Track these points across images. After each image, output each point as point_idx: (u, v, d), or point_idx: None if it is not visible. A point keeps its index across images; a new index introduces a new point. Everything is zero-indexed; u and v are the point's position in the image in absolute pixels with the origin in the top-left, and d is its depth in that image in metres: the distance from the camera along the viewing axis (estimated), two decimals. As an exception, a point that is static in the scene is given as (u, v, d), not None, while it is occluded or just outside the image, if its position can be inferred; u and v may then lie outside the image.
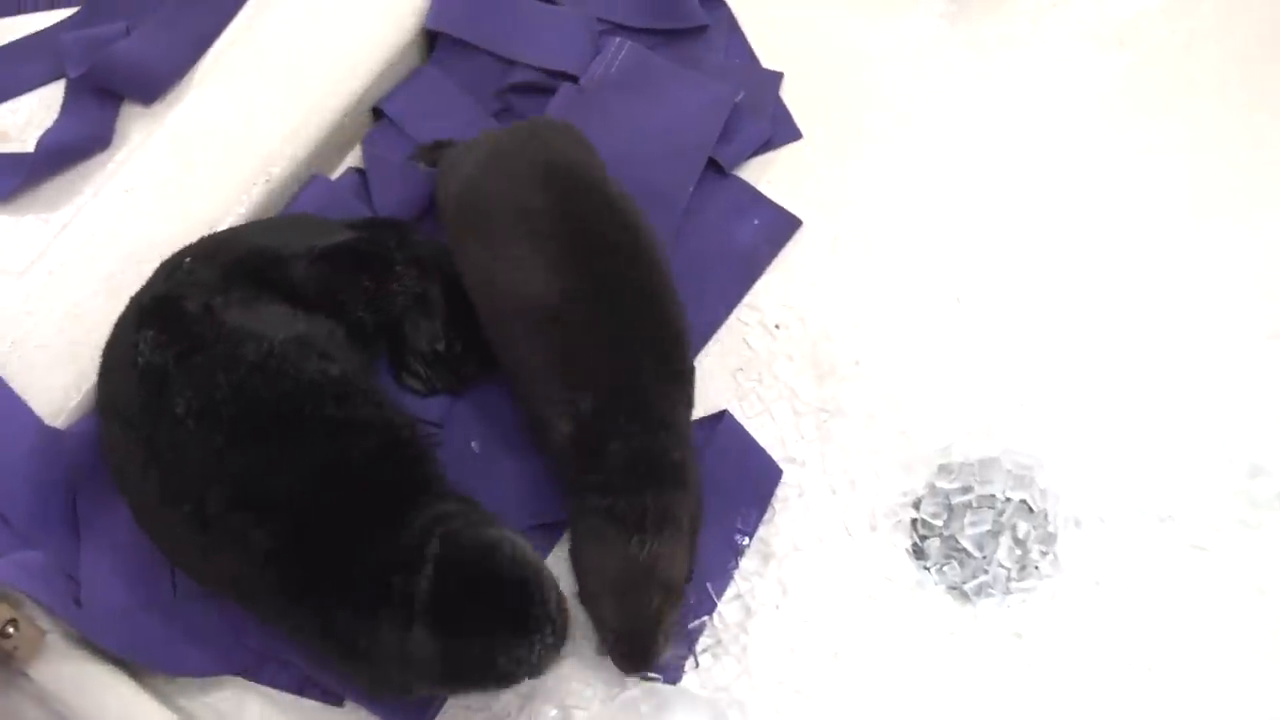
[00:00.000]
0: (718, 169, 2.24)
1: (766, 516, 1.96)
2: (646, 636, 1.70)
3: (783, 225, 2.21)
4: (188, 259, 1.84)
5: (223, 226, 2.02)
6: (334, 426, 1.68)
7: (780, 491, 1.98)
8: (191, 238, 1.91)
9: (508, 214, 1.84)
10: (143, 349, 1.71)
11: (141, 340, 1.72)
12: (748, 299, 2.15)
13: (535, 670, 1.63)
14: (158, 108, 2.21)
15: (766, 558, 1.94)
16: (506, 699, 1.84)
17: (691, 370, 1.87)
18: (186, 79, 2.22)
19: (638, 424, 1.74)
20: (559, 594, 1.65)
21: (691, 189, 2.19)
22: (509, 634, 1.58)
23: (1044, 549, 1.95)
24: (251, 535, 1.62)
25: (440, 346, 1.97)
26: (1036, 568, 1.94)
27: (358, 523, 1.62)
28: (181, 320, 1.73)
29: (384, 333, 1.96)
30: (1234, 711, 1.83)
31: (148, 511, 1.72)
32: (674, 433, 1.77)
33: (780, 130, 2.30)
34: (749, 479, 1.97)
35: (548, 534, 1.93)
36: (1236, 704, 1.84)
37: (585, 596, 1.74)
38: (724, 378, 2.05)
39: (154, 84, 2.21)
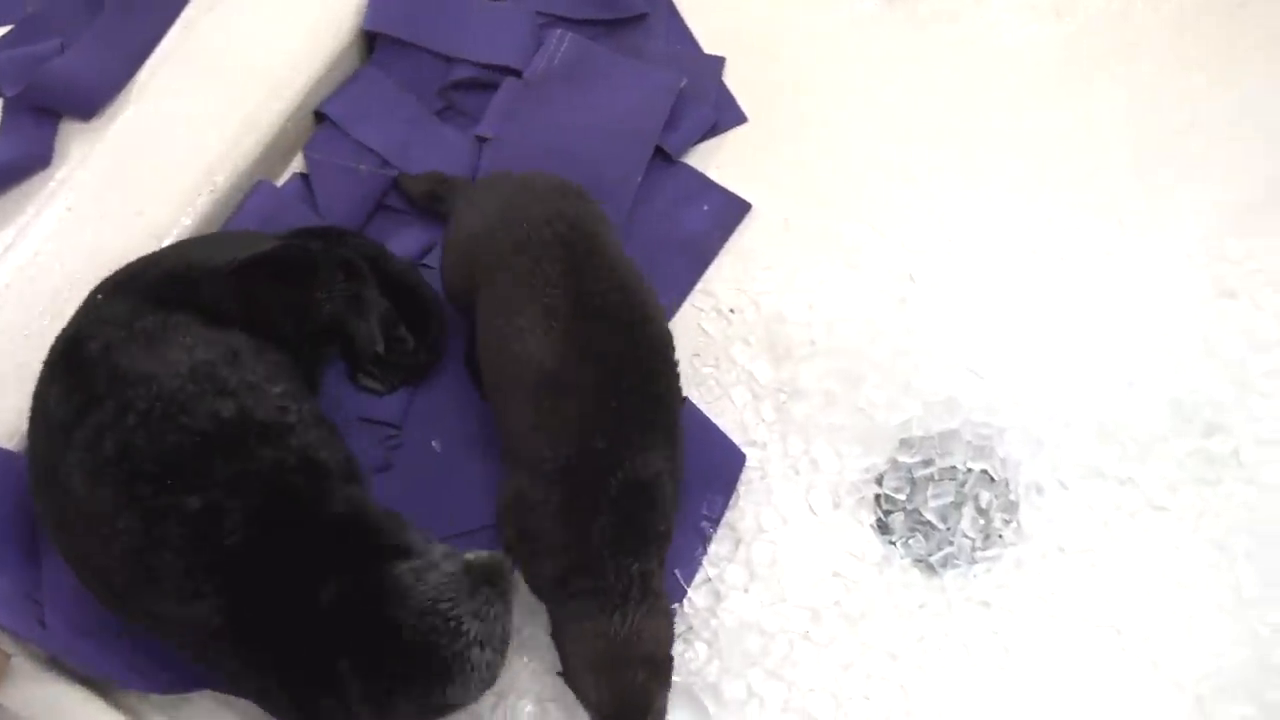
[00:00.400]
0: (665, 157, 2.24)
1: (731, 501, 1.96)
2: (635, 716, 1.65)
3: (733, 209, 2.21)
4: (100, 295, 1.80)
5: (169, 240, 2.00)
6: (229, 479, 1.61)
7: (743, 475, 1.98)
8: (138, 253, 1.88)
9: (519, 274, 1.78)
10: (50, 404, 1.69)
11: (50, 395, 1.69)
12: (701, 285, 2.15)
13: (486, 683, 1.63)
14: (96, 123, 2.19)
15: (733, 542, 1.95)
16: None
17: (681, 437, 1.80)
18: (124, 93, 2.19)
19: (628, 495, 1.68)
20: (487, 602, 1.60)
21: (640, 178, 2.19)
22: (442, 687, 1.57)
23: (1007, 517, 1.97)
24: (164, 610, 1.61)
25: (380, 348, 1.94)
26: (1000, 536, 1.96)
27: (276, 593, 1.58)
28: (81, 369, 1.69)
29: (329, 341, 1.93)
30: (1201, 667, 1.86)
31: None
32: (662, 504, 1.72)
33: (725, 115, 2.31)
34: (712, 465, 1.98)
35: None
36: (1203, 660, 1.86)
37: (569, 677, 1.69)
38: (681, 365, 2.04)
39: (91, 99, 2.19)
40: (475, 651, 1.57)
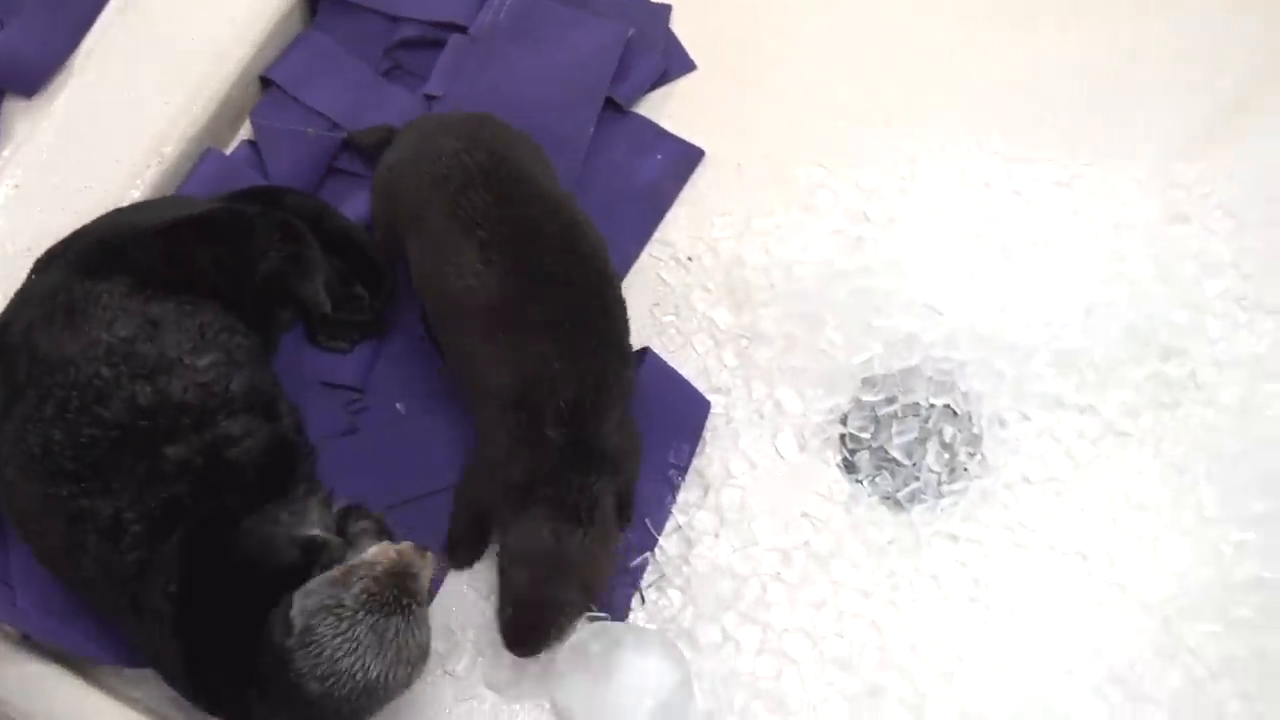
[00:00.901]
0: (616, 107, 2.23)
1: (698, 448, 1.97)
2: (545, 622, 1.68)
3: (686, 157, 2.21)
4: (33, 273, 1.80)
5: (121, 209, 1.99)
6: (139, 483, 1.60)
7: (709, 422, 1.99)
8: (88, 226, 1.88)
9: (445, 210, 1.79)
10: None
11: None
12: (658, 234, 2.15)
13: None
14: (40, 100, 2.15)
15: (702, 489, 1.96)
16: (461, 650, 1.85)
17: (630, 355, 1.84)
18: (66, 67, 2.16)
19: (581, 413, 1.71)
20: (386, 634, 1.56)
21: (592, 130, 2.18)
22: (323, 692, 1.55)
23: (971, 450, 1.99)
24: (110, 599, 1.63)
25: (328, 309, 1.93)
26: (965, 470, 1.98)
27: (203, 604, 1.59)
28: (5, 355, 1.69)
29: (281, 303, 1.92)
30: (1166, 588, 1.88)
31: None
32: (614, 422, 1.75)
33: (674, 63, 2.30)
34: (678, 414, 1.98)
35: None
36: (1168, 581, 1.89)
37: (504, 566, 1.71)
38: (642, 315, 2.05)
39: (33, 76, 2.16)
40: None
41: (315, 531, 1.65)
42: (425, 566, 1.60)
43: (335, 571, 1.56)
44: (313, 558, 1.60)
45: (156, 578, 1.57)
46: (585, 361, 1.73)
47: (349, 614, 1.51)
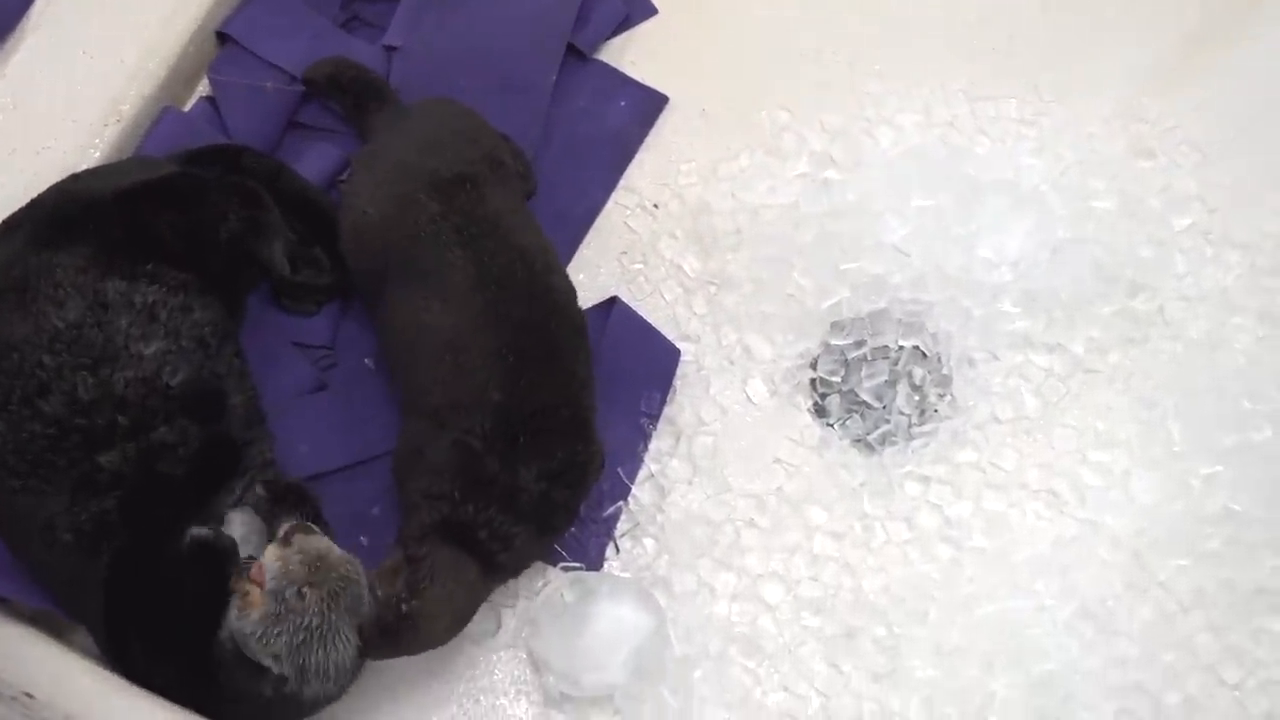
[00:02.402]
0: (578, 54, 2.21)
1: (668, 396, 1.97)
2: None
3: (650, 103, 2.19)
4: None
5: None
6: (73, 487, 1.60)
7: (679, 369, 1.99)
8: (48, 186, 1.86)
9: (429, 263, 1.79)
10: None
11: None
12: (624, 181, 2.14)
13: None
14: (-8, 62, 2.13)
15: (674, 436, 1.96)
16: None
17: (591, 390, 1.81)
18: (19, 30, 2.12)
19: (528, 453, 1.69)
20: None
21: (554, 78, 2.16)
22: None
23: (941, 391, 1.99)
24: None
25: (286, 271, 1.90)
26: (936, 411, 1.98)
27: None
28: None
29: (245, 265, 1.88)
30: (1136, 523, 1.90)
31: None
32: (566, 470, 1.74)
33: (636, 7, 2.27)
34: (647, 361, 1.98)
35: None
36: (1138, 516, 1.90)
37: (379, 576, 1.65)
38: (609, 263, 2.04)
39: (-14, 36, 2.13)
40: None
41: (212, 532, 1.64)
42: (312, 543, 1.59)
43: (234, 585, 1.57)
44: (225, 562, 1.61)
45: (87, 593, 1.59)
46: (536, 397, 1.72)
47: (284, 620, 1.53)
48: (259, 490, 1.70)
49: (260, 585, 1.55)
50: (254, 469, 1.72)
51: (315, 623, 1.53)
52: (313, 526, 1.61)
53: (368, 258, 1.85)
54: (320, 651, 1.54)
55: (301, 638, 1.53)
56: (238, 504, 1.69)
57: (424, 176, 1.83)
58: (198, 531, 1.61)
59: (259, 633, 1.53)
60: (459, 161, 1.86)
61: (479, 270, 1.75)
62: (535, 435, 1.69)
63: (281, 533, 1.59)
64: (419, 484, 1.70)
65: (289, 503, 1.69)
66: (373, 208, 1.85)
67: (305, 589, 1.53)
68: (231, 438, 1.71)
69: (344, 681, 1.60)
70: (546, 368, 1.73)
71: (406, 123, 1.98)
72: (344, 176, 2.07)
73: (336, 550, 1.59)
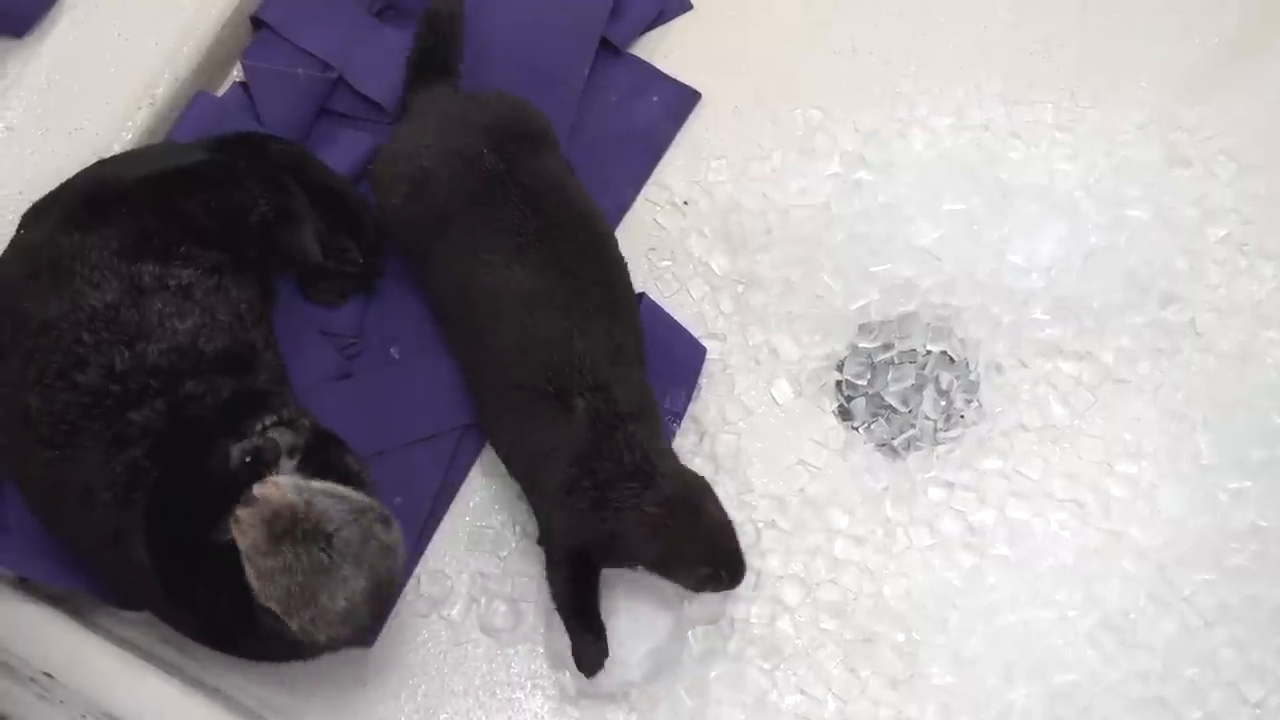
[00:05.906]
0: (611, 48, 2.20)
1: (693, 394, 1.97)
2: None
3: (683, 100, 2.18)
4: (22, 228, 1.79)
5: (110, 154, 1.96)
6: (107, 447, 1.60)
7: (705, 367, 1.98)
8: (79, 168, 1.86)
9: (480, 216, 1.82)
10: None
11: None
12: (654, 178, 2.13)
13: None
14: (29, 41, 2.12)
15: (698, 435, 1.96)
16: (455, 597, 1.86)
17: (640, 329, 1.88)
18: (56, 8, 2.13)
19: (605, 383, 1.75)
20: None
21: (587, 72, 2.15)
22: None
23: (967, 397, 1.98)
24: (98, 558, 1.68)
25: (318, 258, 1.92)
26: (962, 416, 1.97)
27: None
28: None
29: (273, 252, 1.88)
30: (1162, 536, 1.88)
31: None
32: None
33: (670, 2, 2.26)
34: (674, 360, 1.97)
35: (468, 437, 1.93)
36: (1164, 529, 1.89)
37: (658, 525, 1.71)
38: (638, 259, 2.03)
39: (23, 16, 2.12)
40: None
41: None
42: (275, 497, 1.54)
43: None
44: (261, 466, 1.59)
45: (133, 541, 1.58)
46: (604, 339, 1.77)
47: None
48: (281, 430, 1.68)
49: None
50: (279, 408, 1.69)
51: (300, 575, 1.51)
52: (280, 481, 1.55)
53: (423, 216, 1.87)
54: (324, 597, 1.52)
55: (294, 588, 1.51)
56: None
57: (484, 133, 1.87)
58: (245, 443, 1.59)
59: (256, 588, 1.52)
60: (518, 122, 1.91)
61: (546, 223, 1.81)
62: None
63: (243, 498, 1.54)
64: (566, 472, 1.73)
65: (312, 439, 1.67)
66: (430, 162, 1.87)
67: (283, 546, 1.51)
68: (258, 389, 1.72)
69: (359, 621, 1.58)
70: (616, 324, 1.81)
71: (459, 94, 2.01)
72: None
73: (320, 495, 1.54)
